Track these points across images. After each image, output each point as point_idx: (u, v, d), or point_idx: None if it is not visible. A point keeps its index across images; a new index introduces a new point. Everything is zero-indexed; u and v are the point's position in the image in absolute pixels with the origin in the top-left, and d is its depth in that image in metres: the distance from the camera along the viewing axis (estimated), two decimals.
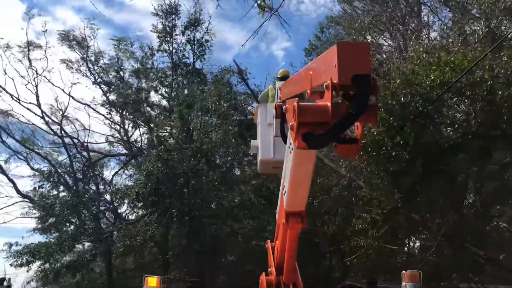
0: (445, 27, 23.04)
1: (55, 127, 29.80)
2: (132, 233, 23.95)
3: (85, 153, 30.40)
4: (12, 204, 28.54)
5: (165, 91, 29.71)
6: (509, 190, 17.67)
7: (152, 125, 26.70)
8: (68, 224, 27.48)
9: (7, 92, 28.63)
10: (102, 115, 30.28)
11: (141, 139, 29.37)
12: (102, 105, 29.97)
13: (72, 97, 30.21)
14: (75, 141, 30.17)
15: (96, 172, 31.53)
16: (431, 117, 15.16)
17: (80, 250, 28.43)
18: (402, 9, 25.57)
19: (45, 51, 28.72)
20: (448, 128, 15.86)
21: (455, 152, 15.34)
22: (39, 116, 29.39)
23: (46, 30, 29.37)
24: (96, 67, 30.23)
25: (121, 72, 29.73)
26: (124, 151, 31.52)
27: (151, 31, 29.26)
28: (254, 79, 27.33)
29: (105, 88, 29.94)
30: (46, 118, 29.72)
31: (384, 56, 22.05)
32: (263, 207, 24.61)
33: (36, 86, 28.91)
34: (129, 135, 30.59)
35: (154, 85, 29.52)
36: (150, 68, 29.49)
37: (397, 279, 16.28)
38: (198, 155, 22.58)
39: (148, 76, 29.39)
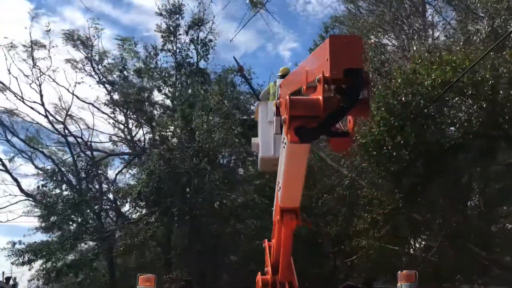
0: (449, 27, 22.91)
1: (59, 126, 29.96)
2: (133, 232, 23.97)
3: (88, 152, 30.49)
4: (16, 203, 28.74)
5: (169, 91, 29.78)
6: None
7: (154, 124, 26.71)
8: (70, 223, 27.56)
9: (11, 91, 28.80)
10: (106, 114, 30.44)
11: (144, 139, 29.47)
12: (106, 104, 30.09)
13: (77, 96, 30.40)
14: (79, 140, 30.29)
15: (100, 172, 31.68)
16: (432, 117, 15.05)
17: (82, 249, 28.58)
18: (406, 8, 25.46)
19: (48, 50, 28.83)
20: (450, 128, 15.74)
21: (457, 152, 15.22)
22: (42, 115, 29.56)
23: (50, 29, 29.54)
24: (100, 67, 30.37)
25: (125, 72, 29.80)
26: (128, 150, 31.63)
27: (155, 30, 29.39)
28: (258, 79, 27.21)
29: (109, 88, 30.09)
30: (50, 118, 29.90)
31: (387, 56, 21.85)
32: (266, 207, 24.57)
33: (40, 85, 29.04)
34: (133, 134, 30.75)
35: (158, 85, 29.56)
36: (154, 67, 29.54)
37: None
38: (200, 155, 22.57)
39: (153, 76, 29.44)
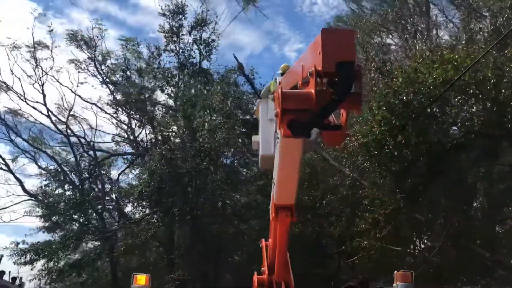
0: (451, 25, 22.80)
1: (62, 126, 30.02)
2: (134, 232, 23.95)
3: (91, 152, 30.52)
4: (19, 203, 28.77)
5: (171, 91, 29.78)
6: None
7: (155, 124, 26.70)
8: (72, 223, 27.57)
9: (14, 91, 28.88)
10: (109, 114, 30.47)
11: (147, 138, 29.46)
12: (109, 104, 30.12)
13: (80, 96, 30.45)
14: (82, 140, 30.34)
15: (103, 172, 31.74)
16: (434, 116, 14.92)
17: (86, 249, 28.62)
18: (410, 8, 25.35)
19: (51, 50, 28.90)
20: (453, 127, 15.60)
21: (459, 152, 15.07)
22: (45, 115, 29.63)
23: (52, 29, 29.65)
24: (103, 67, 30.43)
25: (128, 72, 29.83)
26: (131, 150, 31.65)
27: (158, 31, 29.41)
28: (261, 79, 27.11)
29: (112, 88, 30.12)
30: (53, 118, 29.97)
31: (390, 55, 21.77)
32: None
33: (42, 86, 29.10)
34: (136, 134, 30.73)
35: (161, 85, 29.55)
36: (157, 68, 29.54)
37: None
38: (201, 155, 22.53)
39: (156, 76, 29.44)
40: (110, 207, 28.96)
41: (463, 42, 16.67)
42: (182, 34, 29.07)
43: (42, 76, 28.94)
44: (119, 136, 31.40)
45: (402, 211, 15.69)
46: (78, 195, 27.01)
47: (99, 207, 27.59)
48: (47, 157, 30.66)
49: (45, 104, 29.24)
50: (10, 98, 29.11)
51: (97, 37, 29.77)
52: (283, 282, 8.76)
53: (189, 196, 22.74)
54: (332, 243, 25.80)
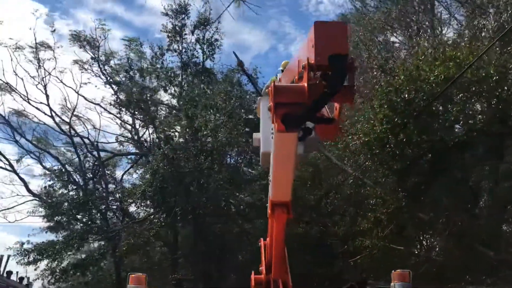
0: (455, 22, 22.61)
1: (66, 127, 30.12)
2: (136, 232, 23.97)
3: (95, 153, 30.63)
4: (23, 203, 28.87)
5: (175, 90, 29.78)
6: None
7: (157, 123, 26.71)
8: (76, 223, 27.65)
9: (16, 92, 29.01)
10: (113, 114, 30.55)
11: (150, 138, 29.50)
12: (112, 104, 30.20)
13: (84, 97, 30.56)
14: (86, 140, 30.44)
15: (108, 172, 31.86)
16: (436, 114, 14.76)
17: (91, 248, 28.71)
18: (414, 5, 25.14)
19: (53, 51, 29.02)
20: (454, 125, 15.44)
21: (461, 150, 14.91)
22: (48, 115, 29.75)
23: (54, 30, 29.81)
24: (106, 67, 30.50)
25: (131, 72, 29.89)
26: (134, 150, 31.71)
27: (161, 31, 29.42)
28: (264, 78, 27.03)
29: (116, 88, 30.19)
30: (57, 118, 30.09)
31: (393, 53, 21.63)
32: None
33: (45, 86, 29.23)
34: (140, 134, 30.77)
35: (164, 85, 29.56)
36: (160, 67, 29.55)
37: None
38: (203, 154, 22.51)
39: (159, 76, 29.46)
40: (114, 207, 29.00)
41: (466, 39, 16.47)
42: (185, 34, 29.14)
43: (45, 76, 29.07)
44: (123, 136, 31.52)
45: (404, 210, 15.54)
46: (81, 195, 27.09)
47: (103, 207, 27.64)
48: (51, 157, 30.86)
49: (48, 105, 29.41)
50: (14, 99, 29.31)
51: (100, 37, 29.90)
52: (280, 281, 8.68)
53: (191, 196, 22.70)
54: (337, 243, 25.69)
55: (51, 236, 28.13)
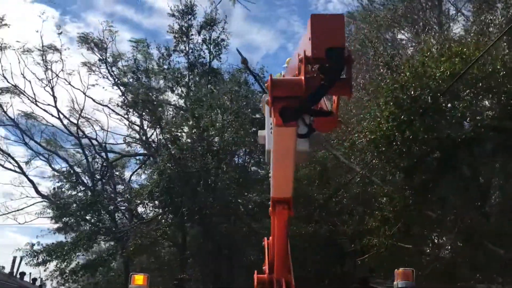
0: (462, 18, 22.36)
1: (75, 129, 30.29)
2: (143, 232, 24.04)
3: (103, 154, 30.80)
4: (33, 204, 29.03)
5: (182, 91, 29.83)
6: None
7: (163, 124, 26.77)
8: (84, 224, 27.79)
9: (25, 94, 29.24)
10: (121, 115, 30.67)
11: (158, 139, 29.54)
12: (120, 106, 30.33)
13: (92, 98, 30.75)
14: (94, 142, 30.61)
15: (117, 173, 32.05)
16: (443, 111, 14.58)
17: (101, 249, 28.87)
18: (422, 2, 24.92)
19: (60, 53, 29.23)
20: (462, 122, 15.25)
21: (469, 147, 14.71)
22: (55, 117, 29.97)
23: (61, 32, 30.06)
24: (114, 69, 30.67)
25: (138, 73, 30.01)
26: (142, 151, 31.83)
27: (167, 31, 29.48)
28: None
29: (123, 89, 30.32)
30: (65, 120, 30.29)
31: (399, 49, 21.44)
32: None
33: (52, 88, 29.45)
34: (148, 135, 30.86)
35: (171, 85, 29.63)
36: (167, 68, 29.63)
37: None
38: (209, 154, 22.52)
39: (166, 76, 29.54)
40: (123, 207, 29.13)
41: (472, 34, 16.26)
42: (192, 34, 29.17)
43: (52, 78, 29.29)
44: (130, 137, 31.64)
45: (411, 208, 15.39)
46: (89, 196, 27.23)
47: (111, 207, 27.76)
48: (60, 159, 31.06)
49: (56, 107, 29.63)
50: (23, 101, 29.56)
51: (107, 39, 30.08)
52: (283, 280, 8.60)
53: (198, 196, 22.71)
54: (346, 242, 25.59)
55: (60, 237, 28.40)
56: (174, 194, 22.84)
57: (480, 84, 13.94)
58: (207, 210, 22.79)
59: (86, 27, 77.52)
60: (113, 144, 32.00)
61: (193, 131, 24.36)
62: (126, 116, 30.44)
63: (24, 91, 29.17)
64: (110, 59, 30.39)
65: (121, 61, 30.81)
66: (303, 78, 3.46)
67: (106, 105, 30.62)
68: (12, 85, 28.87)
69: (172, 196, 22.80)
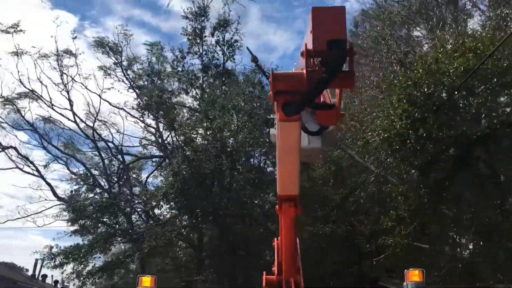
0: (479, 13, 21.93)
1: (91, 132, 30.66)
2: (158, 234, 24.13)
3: (119, 156, 31.08)
4: (51, 207, 29.42)
5: (196, 93, 29.93)
6: None
7: (176, 126, 26.88)
8: (100, 226, 28.05)
9: (42, 99, 29.68)
10: (136, 118, 30.91)
11: (173, 141, 29.68)
12: (135, 108, 30.58)
13: (108, 102, 31.06)
14: (110, 144, 30.92)
15: (134, 175, 32.37)
16: (457, 108, 14.30)
17: (117, 251, 29.09)
18: None
19: (75, 57, 29.62)
20: (477, 118, 14.92)
21: (484, 144, 14.38)
22: (72, 121, 30.35)
23: (76, 37, 30.51)
24: (129, 72, 30.98)
25: (153, 76, 30.23)
26: (158, 153, 32.03)
27: (181, 34, 29.60)
28: None
29: (138, 92, 30.54)
30: (82, 124, 30.67)
31: (414, 46, 21.13)
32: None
33: (68, 92, 29.86)
34: (164, 137, 31.00)
35: (185, 87, 29.75)
36: (181, 70, 29.75)
37: (427, 279, 15.51)
38: (223, 155, 22.50)
39: (180, 79, 29.66)
40: (139, 209, 29.34)
41: (486, 29, 15.92)
42: (205, 36, 29.23)
43: (67, 82, 29.69)
44: (146, 139, 31.86)
45: (427, 206, 15.11)
46: (106, 198, 27.47)
47: (128, 209, 27.97)
48: (77, 162, 31.45)
49: (72, 110, 30.04)
50: (40, 106, 30.02)
51: (122, 42, 30.39)
52: (292, 281, 8.49)
53: (213, 197, 22.71)
54: (364, 242, 25.33)
55: (78, 240, 28.74)
56: (189, 195, 22.89)
57: (495, 80, 13.59)
58: (222, 211, 22.77)
59: (104, 32, 78.67)
60: (129, 146, 32.34)
61: (208, 133, 24.39)
62: (141, 118, 30.72)
63: (41, 96, 29.64)
64: (125, 63, 30.76)
65: (136, 64, 31.16)
66: (304, 71, 3.45)
67: (122, 108, 30.97)
68: (29, 90, 29.35)
69: (186, 197, 22.84)
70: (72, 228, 28.61)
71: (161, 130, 30.95)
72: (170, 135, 29.69)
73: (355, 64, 3.46)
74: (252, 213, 25.26)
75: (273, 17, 65.34)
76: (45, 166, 30.45)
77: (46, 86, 29.69)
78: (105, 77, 30.70)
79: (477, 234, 15.37)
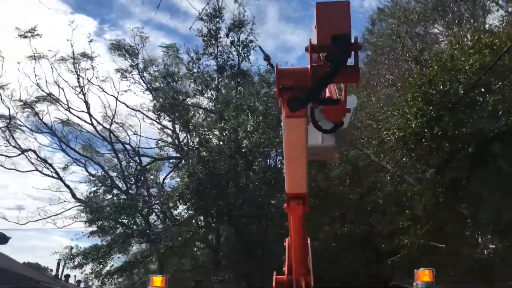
0: (497, 9, 21.53)
1: (108, 134, 30.97)
2: (174, 234, 24.26)
3: (136, 158, 31.38)
4: (70, 209, 29.82)
5: (211, 94, 30.04)
6: None
7: (191, 127, 27.00)
8: (118, 227, 28.32)
9: (59, 102, 30.10)
10: (152, 119, 31.14)
11: (188, 142, 29.85)
12: (152, 110, 30.82)
13: (126, 104, 31.39)
14: (127, 146, 31.24)
15: (152, 176, 32.63)
16: (473, 105, 14.04)
17: (135, 251, 29.41)
18: None
19: (90, 59, 29.96)
20: (493, 116, 14.61)
21: (501, 141, 14.09)
22: (88, 123, 30.75)
23: (91, 40, 30.90)
24: (145, 74, 31.26)
25: (168, 78, 30.44)
26: (175, 154, 32.25)
27: (196, 35, 29.71)
28: None
29: (154, 94, 30.79)
30: (99, 126, 31.02)
31: (430, 44, 20.84)
32: (314, 207, 23.97)
33: (84, 95, 30.25)
34: (180, 138, 31.18)
35: (200, 88, 29.88)
36: (197, 71, 29.87)
37: (443, 279, 15.26)
38: (237, 156, 22.50)
39: (196, 80, 29.79)
40: (156, 210, 29.55)
41: (504, 24, 15.61)
42: (220, 37, 29.27)
43: (84, 85, 30.08)
44: (162, 140, 32.10)
45: (443, 205, 14.88)
46: (123, 199, 27.73)
47: (145, 210, 28.21)
48: (95, 164, 31.84)
49: (89, 113, 30.41)
50: (58, 109, 30.48)
51: (138, 44, 30.69)
52: (303, 281, 8.43)
53: (228, 198, 22.74)
54: (382, 242, 25.06)
55: (97, 240, 29.07)
56: (204, 196, 22.96)
57: None
58: (237, 211, 22.78)
59: (123, 35, 79.57)
60: (146, 148, 32.61)
61: (224, 134, 24.42)
62: (157, 120, 30.95)
63: (59, 99, 30.09)
64: (141, 65, 31.06)
65: (152, 66, 31.41)
66: (309, 67, 3.45)
67: (138, 110, 31.25)
68: (47, 93, 29.80)
69: (201, 198, 22.92)
70: (90, 229, 28.99)
71: (177, 131, 31.21)
72: (186, 137, 29.86)
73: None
74: (267, 213, 25.23)
75: (290, 17, 65.26)
76: (63, 168, 30.93)
77: (63, 89, 30.16)
78: (122, 80, 31.03)
79: (495, 234, 15.07)
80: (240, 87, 28.21)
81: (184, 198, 23.30)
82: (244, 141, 23.77)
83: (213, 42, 29.14)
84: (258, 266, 24.55)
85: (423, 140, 14.42)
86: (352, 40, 3.33)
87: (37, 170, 30.34)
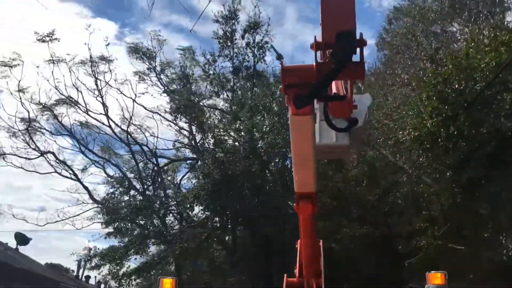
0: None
1: (126, 136, 31.28)
2: (189, 235, 24.33)
3: (154, 159, 31.63)
4: (88, 210, 30.11)
5: (227, 95, 30.11)
6: None
7: (206, 128, 27.09)
8: (135, 228, 28.54)
9: (78, 104, 30.51)
10: (169, 121, 31.33)
11: (204, 143, 29.93)
12: (169, 112, 31.03)
13: (143, 106, 31.66)
14: (145, 148, 31.49)
15: (169, 177, 32.84)
16: (490, 104, 13.78)
17: (152, 252, 29.62)
18: None
19: (108, 62, 30.24)
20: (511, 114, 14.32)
21: None
22: (106, 125, 31.10)
23: (108, 43, 31.25)
24: (163, 76, 31.51)
25: (185, 80, 30.64)
26: (191, 155, 32.38)
27: (212, 37, 29.82)
28: None
29: (171, 96, 30.99)
30: (117, 128, 31.36)
31: (446, 43, 20.51)
32: (332, 208, 23.81)
33: (102, 97, 30.61)
34: (197, 139, 31.30)
35: (216, 90, 29.97)
36: (213, 73, 29.99)
37: (462, 280, 14.99)
38: (252, 156, 22.49)
39: (212, 82, 29.91)
40: (173, 211, 29.71)
41: None
42: (235, 39, 29.32)
43: (102, 88, 30.44)
44: (179, 142, 32.27)
45: (460, 206, 14.62)
46: (140, 201, 27.96)
47: (162, 211, 28.38)
48: (113, 165, 32.20)
49: (107, 115, 30.77)
50: (76, 111, 30.91)
51: (155, 47, 30.96)
52: (314, 283, 8.37)
53: (244, 199, 22.74)
54: (401, 243, 24.74)
55: (114, 242, 29.34)
56: (219, 197, 23.01)
57: None
58: (253, 212, 22.76)
59: (143, 38, 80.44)
60: (163, 149, 32.84)
61: (240, 134, 24.43)
62: (174, 121, 31.14)
63: (77, 102, 30.51)
64: (158, 68, 31.31)
65: (169, 68, 31.64)
66: (314, 64, 3.46)
67: (156, 112, 31.48)
68: (66, 96, 30.25)
69: (217, 199, 22.97)
70: (108, 231, 29.26)
71: (193, 132, 31.31)
72: (202, 138, 29.97)
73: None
74: (284, 214, 25.14)
75: (309, 17, 64.96)
76: (82, 170, 31.30)
77: (81, 92, 30.57)
78: (139, 82, 31.31)
79: None
80: (255, 88, 28.20)
81: (200, 199, 23.37)
82: (260, 141, 23.72)
83: (229, 44, 29.23)
84: (274, 268, 24.49)
85: (439, 140, 14.22)
86: (358, 37, 3.31)
87: (56, 172, 30.82)
